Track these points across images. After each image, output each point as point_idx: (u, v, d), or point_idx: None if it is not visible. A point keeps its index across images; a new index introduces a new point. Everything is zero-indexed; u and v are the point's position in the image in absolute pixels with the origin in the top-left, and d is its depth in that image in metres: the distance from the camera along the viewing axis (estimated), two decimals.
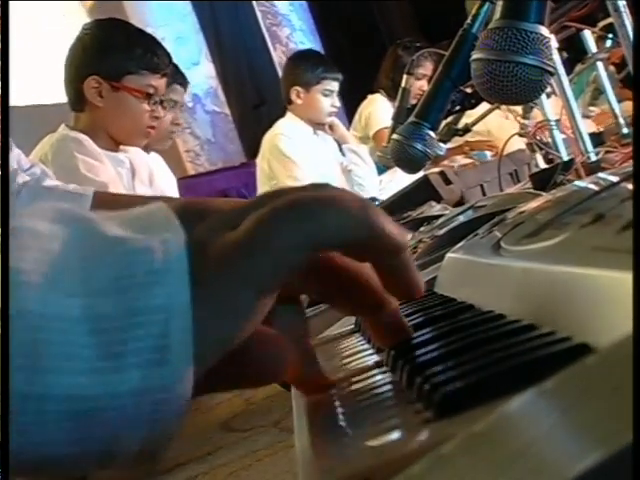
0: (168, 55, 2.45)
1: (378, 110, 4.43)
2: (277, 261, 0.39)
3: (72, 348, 0.35)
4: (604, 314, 0.34)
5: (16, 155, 1.99)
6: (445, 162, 3.42)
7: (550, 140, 1.94)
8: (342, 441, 0.37)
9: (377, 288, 0.46)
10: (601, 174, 0.70)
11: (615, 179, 0.52)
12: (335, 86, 3.89)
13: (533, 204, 0.67)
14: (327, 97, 3.86)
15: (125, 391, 0.36)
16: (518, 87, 0.85)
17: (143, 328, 0.37)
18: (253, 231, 0.39)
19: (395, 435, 0.34)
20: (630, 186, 0.48)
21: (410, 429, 0.34)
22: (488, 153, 3.86)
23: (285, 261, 0.40)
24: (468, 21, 1.23)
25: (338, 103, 3.97)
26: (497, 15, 0.88)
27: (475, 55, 0.89)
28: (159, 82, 2.38)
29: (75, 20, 2.50)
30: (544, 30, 0.85)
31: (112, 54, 2.33)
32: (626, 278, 0.32)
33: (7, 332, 0.35)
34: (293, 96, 3.86)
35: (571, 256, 0.41)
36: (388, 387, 0.43)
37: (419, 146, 1.26)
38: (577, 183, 0.74)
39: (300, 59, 4.05)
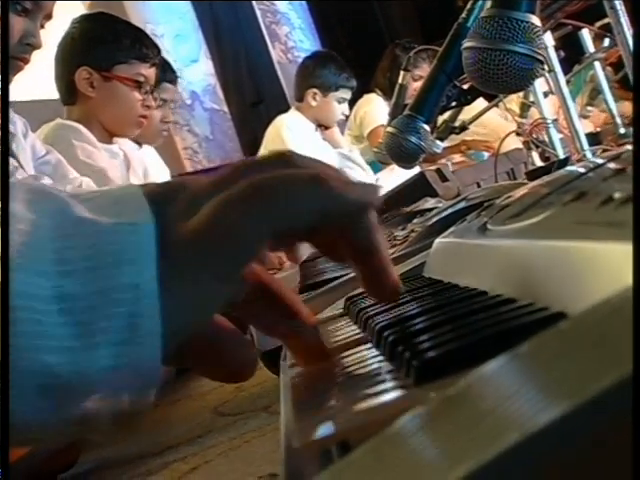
0: (156, 46, 2.47)
1: (373, 109, 4.42)
2: (238, 250, 0.40)
3: (43, 327, 0.36)
4: (582, 284, 0.34)
5: (31, 140, 2.00)
6: (442, 160, 3.42)
7: (547, 139, 1.95)
8: (323, 408, 0.37)
9: (293, 302, 0.47)
10: (590, 158, 0.70)
11: (600, 161, 0.53)
12: (349, 95, 3.91)
13: (521, 190, 0.67)
14: (340, 104, 3.88)
15: (96, 369, 0.37)
16: (509, 75, 0.85)
17: (113, 307, 0.37)
18: (215, 220, 0.39)
19: (374, 400, 0.34)
20: (613, 165, 0.48)
21: (389, 395, 0.35)
22: (486, 154, 3.86)
23: (246, 249, 0.40)
24: (463, 15, 1.24)
25: (347, 111, 3.99)
26: (489, 4, 0.89)
27: (466, 44, 0.89)
28: (149, 71, 2.40)
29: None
30: (535, 19, 0.85)
31: (101, 45, 2.34)
32: (603, 248, 0.33)
33: (7, 330, 0.36)
34: (309, 97, 3.86)
35: (552, 231, 0.42)
36: (371, 360, 0.43)
37: (413, 139, 1.27)
38: (565, 168, 0.75)
39: (323, 62, 4.03)
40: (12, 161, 1.79)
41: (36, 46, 1.78)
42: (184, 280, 0.39)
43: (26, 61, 1.77)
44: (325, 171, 0.42)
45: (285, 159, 0.43)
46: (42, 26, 1.79)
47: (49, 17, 1.82)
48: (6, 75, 1.65)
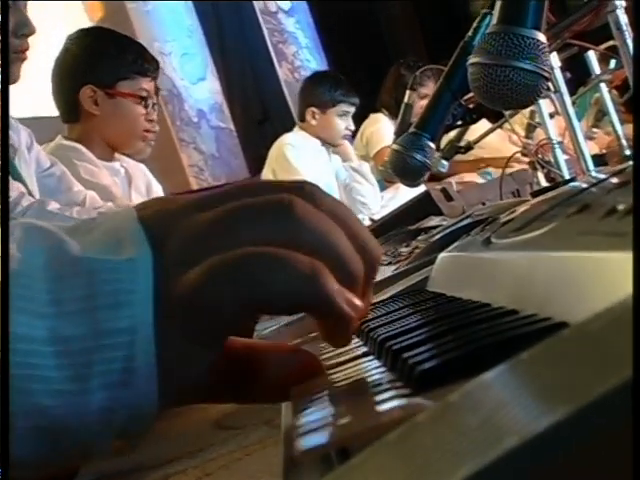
0: (155, 60, 2.47)
1: (380, 130, 4.43)
2: (221, 321, 0.39)
3: (38, 370, 0.36)
4: (586, 294, 0.34)
5: (35, 153, 2.00)
6: (455, 177, 3.43)
7: (552, 160, 1.95)
8: (323, 415, 0.37)
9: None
10: (593, 173, 0.71)
11: (603, 176, 0.53)
12: (351, 108, 3.91)
13: (525, 205, 0.68)
14: (342, 120, 3.88)
15: (92, 411, 0.37)
16: (514, 91, 0.85)
17: (109, 351, 0.37)
18: (205, 287, 0.38)
19: (373, 408, 0.34)
20: (616, 179, 0.48)
21: (388, 403, 0.34)
22: (494, 173, 3.86)
23: (230, 321, 0.40)
24: (469, 34, 1.24)
25: (352, 126, 3.98)
26: (494, 20, 0.89)
27: (472, 59, 0.89)
28: (150, 85, 2.41)
29: None
30: (541, 36, 0.86)
31: (104, 62, 2.35)
32: (606, 258, 0.33)
33: (7, 332, 0.36)
34: (308, 116, 3.87)
35: (555, 242, 0.42)
36: (372, 371, 0.43)
37: (418, 156, 1.27)
38: (569, 184, 0.75)
39: (318, 80, 4.06)
40: (19, 186, 1.78)
41: (30, 33, 1.78)
42: (174, 335, 0.39)
43: (26, 50, 1.78)
44: (328, 251, 0.40)
45: (288, 208, 0.40)
46: (24, 7, 1.80)
47: None
48: (6, 76, 1.65)
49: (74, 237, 0.41)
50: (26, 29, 1.76)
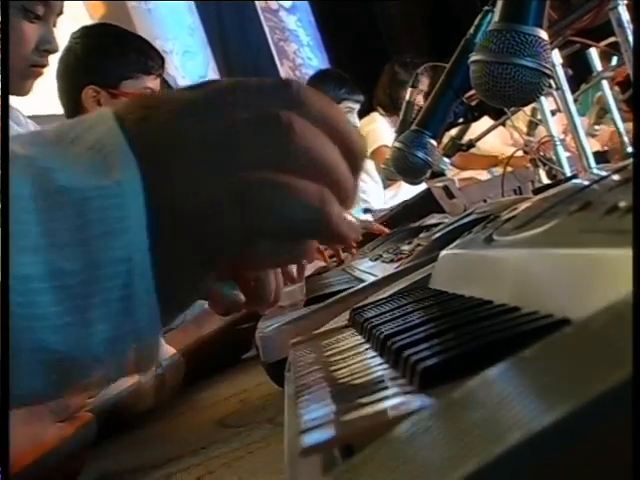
0: (160, 56, 2.43)
1: (375, 129, 4.42)
2: (224, 243, 0.39)
3: (37, 309, 0.36)
4: (587, 291, 0.34)
5: None
6: (465, 174, 3.43)
7: (554, 157, 1.94)
8: (326, 412, 0.37)
9: None
10: (594, 170, 0.71)
11: (604, 173, 0.53)
12: (356, 105, 3.90)
13: (527, 203, 0.68)
14: (347, 116, 3.86)
15: (96, 342, 0.37)
16: (516, 89, 0.85)
17: (106, 281, 0.37)
18: (210, 206, 0.38)
19: (376, 405, 0.34)
20: (617, 177, 0.48)
21: (392, 400, 0.35)
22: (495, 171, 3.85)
23: (232, 244, 0.39)
24: (470, 31, 1.24)
25: (358, 122, 3.97)
26: (496, 18, 0.89)
27: (474, 57, 0.89)
28: (154, 83, 2.36)
29: None
30: (542, 33, 0.85)
31: (106, 61, 2.30)
32: (607, 255, 0.33)
33: (7, 329, 0.36)
34: None
35: (557, 240, 0.42)
36: (375, 368, 0.43)
37: (420, 154, 1.27)
38: (571, 182, 0.74)
39: (322, 79, 4.04)
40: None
41: (53, 51, 1.77)
42: (172, 257, 0.38)
43: (44, 66, 1.76)
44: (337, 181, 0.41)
45: (286, 131, 0.40)
46: (54, 24, 1.78)
47: (60, 14, 1.80)
48: (6, 75, 1.64)
49: (57, 154, 0.39)
50: (49, 45, 1.74)
